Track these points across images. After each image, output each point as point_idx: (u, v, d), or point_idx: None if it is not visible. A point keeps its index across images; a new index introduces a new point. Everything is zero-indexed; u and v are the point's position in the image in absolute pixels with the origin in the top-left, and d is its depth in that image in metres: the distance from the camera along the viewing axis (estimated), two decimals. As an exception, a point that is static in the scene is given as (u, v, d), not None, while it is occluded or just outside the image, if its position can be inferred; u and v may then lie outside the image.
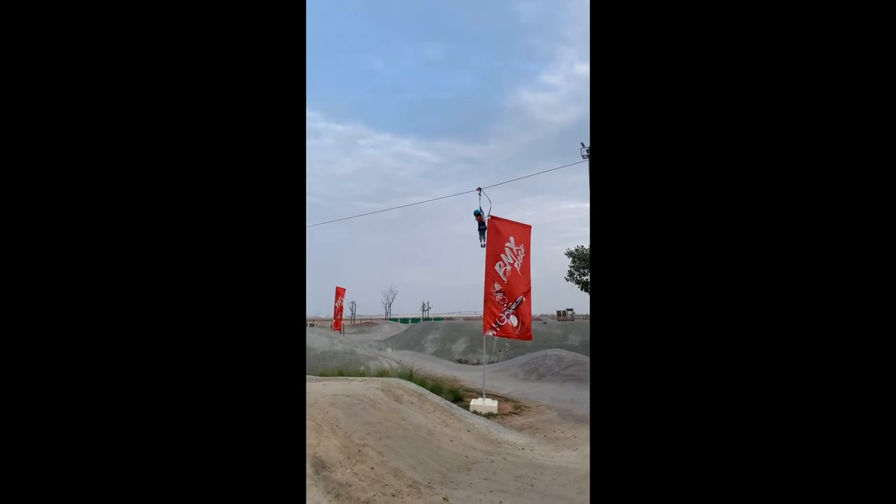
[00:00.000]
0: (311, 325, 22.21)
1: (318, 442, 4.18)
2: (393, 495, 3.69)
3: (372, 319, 39.56)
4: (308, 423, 4.49)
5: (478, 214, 8.62)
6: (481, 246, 8.56)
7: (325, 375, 8.44)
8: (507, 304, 7.72)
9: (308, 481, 3.63)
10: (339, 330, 19.26)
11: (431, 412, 5.83)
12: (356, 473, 3.90)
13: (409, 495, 3.76)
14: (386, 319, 39.24)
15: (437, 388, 7.69)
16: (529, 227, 8.30)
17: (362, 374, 8.46)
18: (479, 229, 8.71)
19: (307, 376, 8.18)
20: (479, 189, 8.44)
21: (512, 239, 7.97)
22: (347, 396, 5.34)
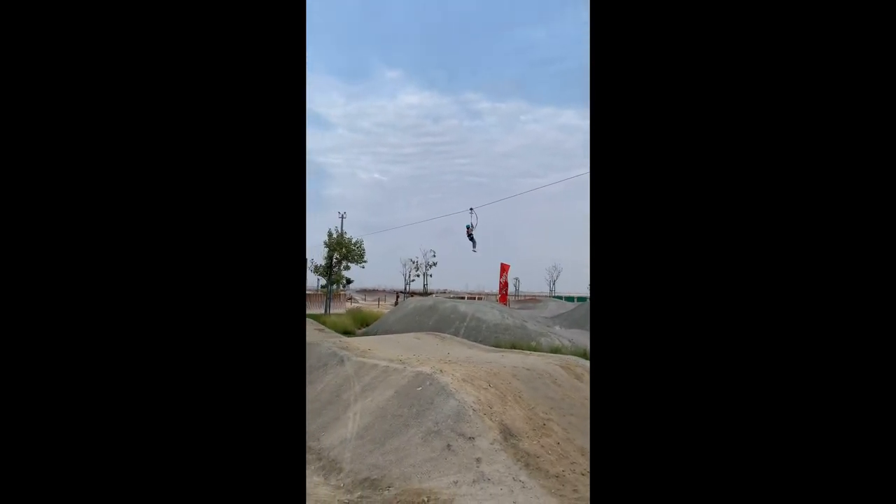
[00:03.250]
0: (479, 299, 23.30)
1: (504, 410, 4.31)
2: (583, 474, 3.58)
3: (535, 296, 39.54)
4: (491, 390, 4.67)
5: (468, 228, 11.97)
6: (473, 251, 12.33)
7: (499, 347, 8.71)
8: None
9: (497, 446, 3.77)
10: (505, 305, 19.74)
11: (615, 395, 5.49)
12: (542, 446, 3.90)
13: (599, 477, 3.60)
14: (550, 296, 38.72)
15: (616, 371, 7.21)
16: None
17: (534, 349, 8.47)
18: (470, 239, 12.12)
19: (480, 345, 8.57)
20: (472, 209, 11.64)
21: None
22: (527, 370, 5.38)
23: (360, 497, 3.37)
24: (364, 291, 42.21)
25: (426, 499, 3.18)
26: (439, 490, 3.24)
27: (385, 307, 24.55)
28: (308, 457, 4.13)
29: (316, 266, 23.18)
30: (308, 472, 3.85)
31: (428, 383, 4.61)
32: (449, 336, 9.43)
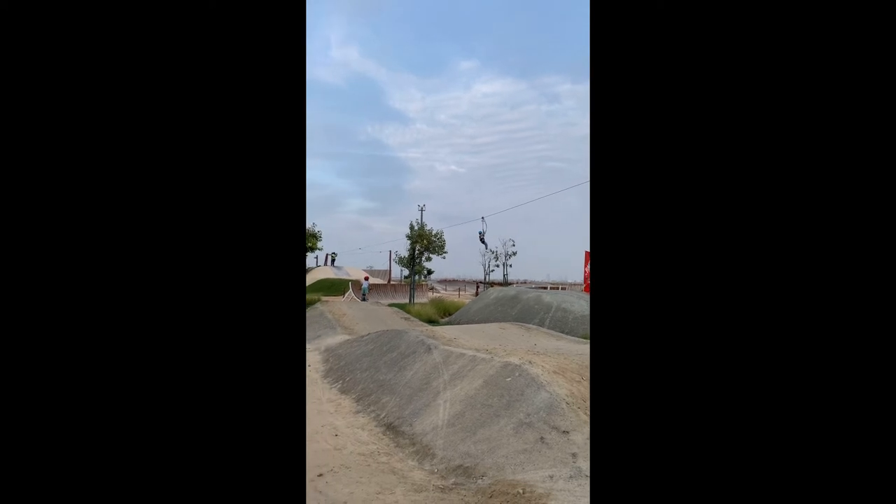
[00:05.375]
0: (563, 289, 22.60)
1: (599, 405, 4.10)
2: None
3: (622, 286, 37.33)
4: (584, 383, 4.48)
5: (480, 234, 16.52)
6: (486, 249, 17.93)
7: (587, 339, 8.37)
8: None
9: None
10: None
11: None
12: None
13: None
14: (638, 286, 36.30)
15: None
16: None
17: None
18: (482, 242, 17.34)
19: (567, 336, 8.28)
20: (483, 217, 14.30)
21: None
22: (622, 363, 5.07)
23: (455, 484, 3.40)
24: (444, 282, 43.00)
25: (521, 491, 3.12)
26: (535, 483, 3.17)
27: (465, 297, 24.77)
28: (401, 441, 4.27)
29: (400, 257, 23.93)
30: (402, 456, 3.99)
31: (517, 374, 4.54)
32: (534, 327, 9.24)
